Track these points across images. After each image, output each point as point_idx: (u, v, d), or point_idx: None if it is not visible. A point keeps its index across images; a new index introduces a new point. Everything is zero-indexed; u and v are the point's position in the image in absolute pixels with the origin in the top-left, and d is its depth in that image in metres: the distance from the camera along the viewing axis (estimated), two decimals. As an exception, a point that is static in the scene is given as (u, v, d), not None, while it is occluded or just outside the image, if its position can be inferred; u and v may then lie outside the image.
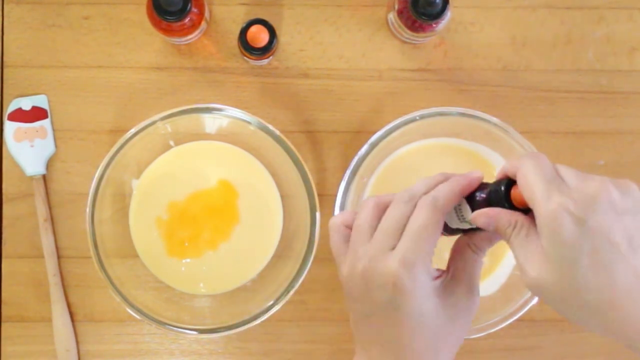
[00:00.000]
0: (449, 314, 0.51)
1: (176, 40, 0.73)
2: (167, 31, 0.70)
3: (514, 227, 0.48)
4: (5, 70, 0.75)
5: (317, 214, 0.69)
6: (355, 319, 0.54)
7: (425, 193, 0.52)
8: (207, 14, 0.72)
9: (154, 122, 0.68)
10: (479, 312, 0.55)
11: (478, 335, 0.69)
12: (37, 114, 0.74)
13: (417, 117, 0.69)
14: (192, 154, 0.74)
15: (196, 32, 0.72)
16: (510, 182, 0.49)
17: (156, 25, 0.70)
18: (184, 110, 0.68)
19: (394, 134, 0.69)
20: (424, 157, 0.74)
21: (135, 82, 0.75)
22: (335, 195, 0.69)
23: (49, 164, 0.75)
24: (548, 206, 0.45)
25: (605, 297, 0.45)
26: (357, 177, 0.69)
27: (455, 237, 0.55)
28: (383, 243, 0.51)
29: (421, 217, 0.50)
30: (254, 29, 0.69)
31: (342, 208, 0.69)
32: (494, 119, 0.69)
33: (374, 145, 0.69)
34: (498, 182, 0.50)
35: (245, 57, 0.73)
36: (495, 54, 0.76)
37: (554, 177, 0.47)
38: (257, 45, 0.69)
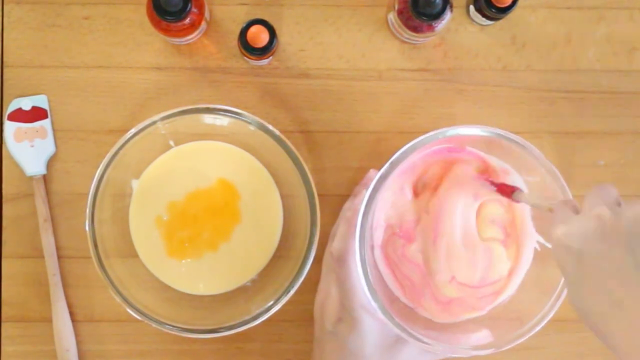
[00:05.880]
0: None
1: (176, 40, 0.73)
2: (167, 31, 0.70)
3: None
4: (5, 70, 0.75)
5: (317, 214, 0.68)
6: None
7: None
8: (207, 14, 0.72)
9: (154, 122, 0.68)
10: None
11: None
12: (37, 114, 0.74)
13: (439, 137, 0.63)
14: (192, 154, 0.74)
15: (196, 32, 0.72)
16: None
17: (156, 25, 0.70)
18: (184, 110, 0.68)
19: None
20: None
21: (135, 82, 0.75)
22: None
23: (49, 164, 0.75)
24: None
25: None
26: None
27: None
28: None
29: None
30: (254, 29, 0.69)
31: (362, 233, 0.62)
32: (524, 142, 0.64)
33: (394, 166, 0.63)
34: None
35: (245, 57, 0.73)
36: (495, 54, 0.76)
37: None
38: (257, 45, 0.69)
